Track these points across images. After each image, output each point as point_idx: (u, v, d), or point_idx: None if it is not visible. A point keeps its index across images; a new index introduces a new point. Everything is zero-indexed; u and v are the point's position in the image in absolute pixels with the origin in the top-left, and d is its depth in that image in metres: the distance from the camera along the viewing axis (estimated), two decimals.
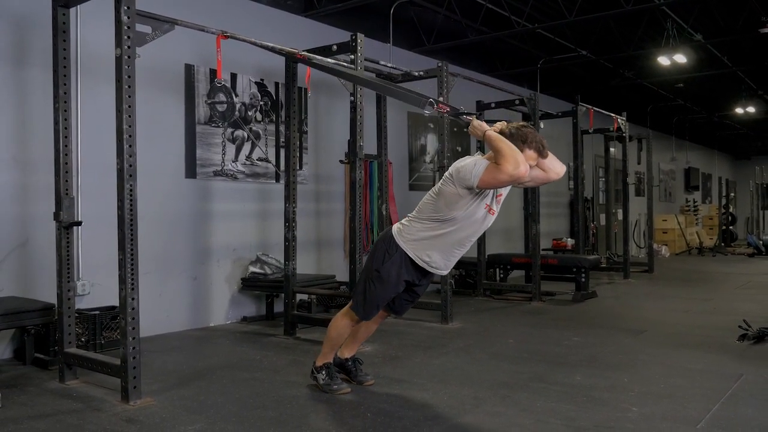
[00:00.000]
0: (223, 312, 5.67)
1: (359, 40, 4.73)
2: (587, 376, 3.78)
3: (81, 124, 4.62)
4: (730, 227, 16.17)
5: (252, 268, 5.68)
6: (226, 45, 4.21)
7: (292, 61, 4.99)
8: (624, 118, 8.89)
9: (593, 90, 11.66)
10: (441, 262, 3.30)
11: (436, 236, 3.22)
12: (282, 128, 5.99)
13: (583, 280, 6.99)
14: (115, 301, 4.54)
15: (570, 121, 8.56)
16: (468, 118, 3.27)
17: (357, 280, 4.10)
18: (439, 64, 5.58)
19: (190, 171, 5.41)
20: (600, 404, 3.24)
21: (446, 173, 3.20)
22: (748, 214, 18.60)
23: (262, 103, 6.01)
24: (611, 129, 9.09)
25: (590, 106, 8.12)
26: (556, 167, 3.28)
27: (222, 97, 5.67)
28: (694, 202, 17.20)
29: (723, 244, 15.34)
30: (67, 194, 3.65)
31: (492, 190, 3.17)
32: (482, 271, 7.31)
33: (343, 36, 5.37)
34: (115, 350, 4.30)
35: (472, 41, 8.44)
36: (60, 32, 3.65)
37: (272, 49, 4.67)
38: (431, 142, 8.18)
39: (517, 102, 7.19)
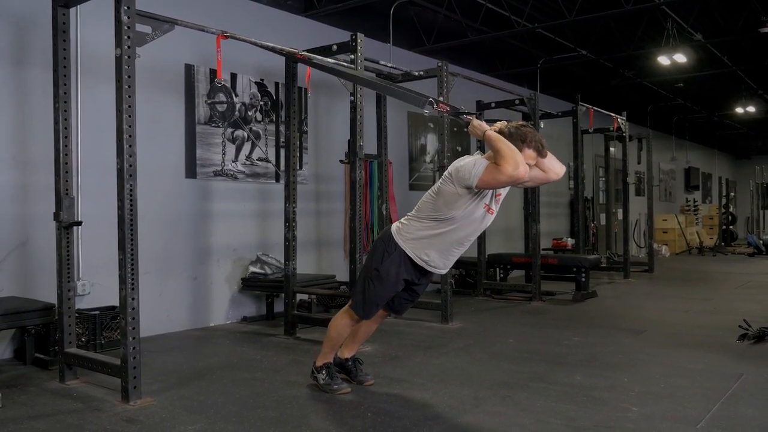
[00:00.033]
0: (223, 312, 5.67)
1: (359, 40, 4.73)
2: (587, 375, 3.78)
3: (81, 124, 4.62)
4: (730, 227, 16.18)
5: (252, 268, 5.68)
6: (226, 45, 4.22)
7: (292, 61, 4.99)
8: (624, 118, 8.89)
9: (593, 90, 11.66)
10: (440, 261, 3.30)
11: (435, 235, 3.23)
12: (282, 128, 5.99)
13: (584, 279, 6.99)
14: (115, 301, 4.54)
15: (570, 121, 8.57)
16: (468, 117, 3.27)
17: (356, 279, 4.10)
18: (439, 64, 5.58)
19: (190, 171, 5.41)
20: (600, 404, 3.24)
21: (445, 172, 3.21)
22: (748, 214, 18.60)
23: (262, 103, 6.01)
24: (611, 129, 9.09)
25: (590, 106, 8.12)
26: (555, 167, 3.28)
27: (222, 97, 5.67)
28: (695, 201, 17.20)
29: (723, 243, 15.34)
30: (67, 194, 3.65)
31: (491, 190, 3.17)
32: (482, 271, 7.31)
33: (343, 36, 5.37)
34: (115, 350, 4.30)
35: (472, 41, 8.44)
36: (60, 32, 3.65)
37: (272, 49, 4.67)
38: (431, 141, 8.18)
39: (517, 102, 7.19)
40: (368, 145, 6.06)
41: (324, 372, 3.51)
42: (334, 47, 4.83)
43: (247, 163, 5.86)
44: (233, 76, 5.75)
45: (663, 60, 9.77)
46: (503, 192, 3.31)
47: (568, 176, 10.48)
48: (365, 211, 6.34)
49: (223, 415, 3.12)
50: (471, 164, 3.05)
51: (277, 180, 6.03)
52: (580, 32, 9.22)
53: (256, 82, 5.96)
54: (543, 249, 8.05)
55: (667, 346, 4.59)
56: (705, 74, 11.29)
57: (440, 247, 3.26)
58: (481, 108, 7.40)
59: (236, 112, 5.78)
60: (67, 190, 3.66)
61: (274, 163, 6.08)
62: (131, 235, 3.31)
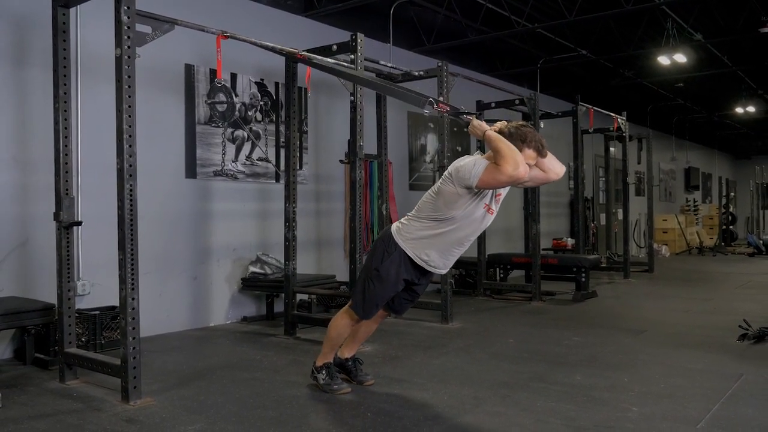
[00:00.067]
0: (223, 312, 5.67)
1: (359, 40, 4.73)
2: (587, 375, 3.78)
3: (81, 124, 4.62)
4: (730, 227, 16.18)
5: (252, 268, 5.68)
6: (226, 45, 4.22)
7: (292, 61, 4.99)
8: (624, 118, 8.89)
9: (593, 90, 11.66)
10: (439, 261, 3.30)
11: (434, 235, 3.23)
12: (282, 128, 5.99)
13: (584, 279, 6.99)
14: (115, 301, 4.54)
15: (570, 121, 8.57)
16: (468, 117, 3.27)
17: (356, 279, 4.10)
18: (439, 64, 5.58)
19: (190, 171, 5.41)
20: (600, 404, 3.24)
21: (445, 172, 3.21)
22: (748, 214, 18.60)
23: (262, 103, 6.01)
24: (611, 129, 9.09)
25: (590, 106, 8.12)
26: (555, 167, 3.27)
27: (222, 97, 5.67)
28: (695, 201, 17.20)
29: (723, 243, 15.35)
30: (67, 194, 3.65)
31: (491, 190, 3.17)
32: (482, 271, 7.31)
33: (343, 36, 5.37)
34: (115, 350, 4.30)
35: (472, 41, 8.44)
36: (60, 32, 3.65)
37: (272, 49, 4.67)
38: (431, 141, 8.18)
39: (517, 102, 7.19)
40: (368, 145, 6.06)
41: (324, 372, 3.51)
42: (334, 47, 4.83)
43: (247, 163, 5.86)
44: (233, 76, 5.75)
45: (663, 60, 9.78)
46: (503, 192, 3.31)
47: (568, 176, 10.49)
48: (365, 211, 6.34)
49: (223, 415, 3.12)
50: (471, 164, 3.05)
51: (277, 180, 6.03)
52: (580, 32, 9.22)
53: (256, 82, 5.96)
54: (543, 249, 8.05)
55: (667, 346, 4.59)
56: (705, 74, 11.29)
57: (440, 247, 3.25)
58: (481, 108, 7.40)
59: (236, 112, 5.78)
60: (67, 190, 3.66)
61: (274, 163, 6.08)
62: (131, 235, 3.31)
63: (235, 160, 5.75)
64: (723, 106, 15.16)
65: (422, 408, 3.22)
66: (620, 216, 10.28)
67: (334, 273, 6.24)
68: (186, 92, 5.40)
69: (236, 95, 5.78)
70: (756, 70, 11.34)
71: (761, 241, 13.72)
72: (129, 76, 3.29)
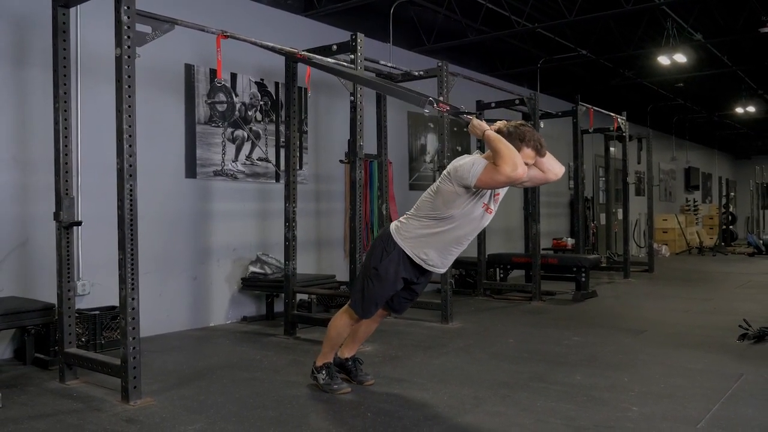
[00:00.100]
0: (223, 312, 5.67)
1: (359, 40, 4.73)
2: (587, 375, 3.78)
3: (81, 124, 4.62)
4: (730, 227, 16.18)
5: (252, 268, 5.68)
6: (226, 45, 4.22)
7: (292, 60, 4.98)
8: (624, 118, 8.89)
9: (593, 90, 11.66)
10: (438, 260, 3.30)
11: (433, 234, 3.23)
12: (282, 128, 5.99)
13: (584, 279, 6.99)
14: (115, 301, 4.54)
15: (570, 121, 8.57)
16: (468, 117, 3.27)
17: (355, 278, 4.10)
18: (439, 64, 5.58)
19: (190, 171, 5.41)
20: (600, 404, 3.24)
21: (444, 171, 3.21)
22: (748, 214, 18.60)
23: (262, 102, 6.01)
24: (611, 129, 9.09)
25: (590, 106, 8.12)
26: (554, 168, 3.27)
27: (222, 96, 5.67)
28: (695, 201, 17.21)
29: (723, 243, 15.34)
30: (67, 194, 3.65)
31: (490, 190, 3.17)
32: (482, 271, 7.31)
33: (343, 36, 5.37)
34: (115, 350, 4.30)
35: (472, 41, 8.44)
36: (60, 32, 3.65)
37: (272, 49, 4.67)
38: (431, 141, 8.18)
39: (517, 102, 7.19)
40: (368, 145, 6.05)
41: (324, 372, 3.51)
42: (334, 47, 4.83)
43: (247, 162, 5.86)
44: (233, 76, 5.75)
45: (663, 60, 9.77)
46: (502, 192, 3.31)
47: (568, 176, 10.48)
48: (365, 211, 6.34)
49: (223, 415, 3.12)
50: (470, 164, 3.06)
51: (277, 180, 6.03)
52: (580, 32, 9.22)
53: (256, 82, 5.96)
54: (543, 249, 8.05)
55: (667, 346, 4.59)
56: (705, 74, 11.29)
57: (439, 246, 3.26)
58: (481, 108, 7.40)
59: (236, 112, 5.78)
60: (67, 190, 3.66)
61: (274, 163, 6.08)
62: (131, 235, 3.31)
63: (235, 160, 5.75)
64: (723, 106, 15.16)
65: (422, 408, 3.22)
66: (620, 216, 10.28)
67: (334, 273, 6.24)
68: (186, 92, 5.40)
69: (236, 95, 5.78)
70: (756, 70, 11.34)
71: (761, 241, 13.72)
72: (129, 76, 3.29)
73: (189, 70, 5.41)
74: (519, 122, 3.20)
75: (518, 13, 7.75)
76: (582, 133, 8.58)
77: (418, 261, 3.29)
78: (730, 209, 16.77)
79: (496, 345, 4.69)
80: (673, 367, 3.97)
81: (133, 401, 3.27)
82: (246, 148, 5.85)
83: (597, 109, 8.22)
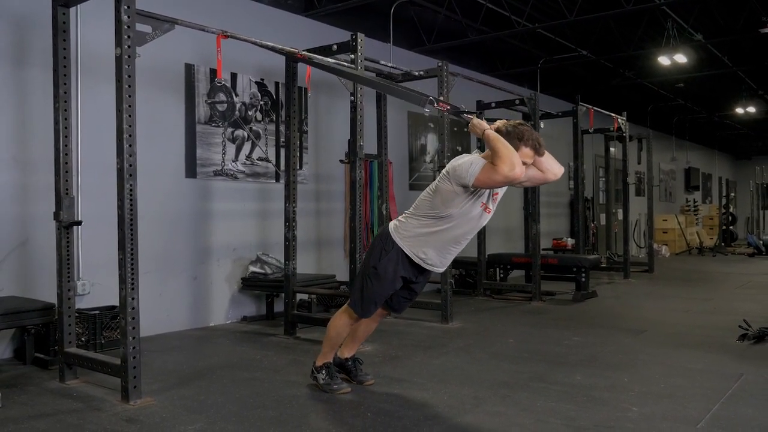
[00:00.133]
0: (223, 312, 5.67)
1: (359, 40, 4.73)
2: (587, 375, 3.78)
3: (81, 124, 4.62)
4: (731, 227, 16.18)
5: (252, 268, 5.68)
6: (227, 45, 4.21)
7: (292, 60, 4.98)
8: (624, 118, 8.89)
9: (593, 90, 11.66)
10: (437, 259, 3.31)
11: (431, 233, 3.23)
12: (282, 128, 5.99)
13: (583, 279, 6.99)
14: (115, 301, 4.54)
15: (570, 121, 8.57)
16: (468, 116, 3.28)
17: (355, 277, 4.10)
18: (440, 64, 5.58)
19: (191, 171, 5.41)
20: (600, 404, 3.24)
21: (443, 170, 3.22)
22: (748, 214, 18.60)
23: (262, 102, 6.01)
24: (611, 129, 9.09)
25: (590, 106, 8.12)
26: (554, 168, 3.28)
27: (222, 96, 5.67)
28: (695, 202, 17.21)
29: (723, 244, 15.35)
30: (67, 194, 3.65)
31: (488, 189, 3.17)
32: (482, 271, 7.31)
33: (344, 36, 5.37)
34: (115, 350, 4.30)
35: (472, 41, 8.44)
36: (60, 32, 3.65)
37: (273, 49, 4.67)
38: (431, 141, 8.18)
39: (517, 102, 7.19)
40: (368, 144, 6.05)
41: (324, 372, 3.51)
42: (335, 47, 4.82)
43: (247, 162, 5.86)
44: (233, 76, 5.75)
45: (663, 60, 9.77)
46: (501, 191, 3.31)
47: (568, 176, 10.48)
48: (365, 211, 6.34)
49: (223, 415, 3.12)
50: (468, 163, 3.06)
51: (277, 180, 6.03)
52: (581, 32, 9.22)
53: (256, 82, 5.96)
54: (543, 249, 8.05)
55: (667, 346, 4.59)
56: (705, 74, 11.29)
57: (437, 245, 3.26)
58: (482, 108, 7.40)
59: (236, 112, 5.78)
60: (67, 189, 3.66)
61: (274, 163, 6.08)
62: (131, 234, 3.31)
63: (235, 159, 5.75)
64: (723, 106, 15.16)
65: (422, 408, 3.22)
66: (620, 216, 10.28)
67: (334, 273, 6.24)
68: (186, 92, 5.40)
69: (236, 95, 5.78)
70: (756, 71, 11.34)
71: (761, 242, 13.72)
72: (129, 76, 3.29)
73: (189, 69, 5.41)
74: (518, 122, 3.20)
75: (518, 13, 7.75)
76: (582, 133, 8.58)
77: (416, 260, 3.29)
78: (730, 210, 16.77)
79: (496, 345, 4.69)
80: (673, 367, 3.97)
81: (133, 401, 3.27)
82: (246, 147, 5.85)
83: (597, 109, 8.22)
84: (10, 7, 4.38)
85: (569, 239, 9.70)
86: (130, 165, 3.31)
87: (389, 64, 5.83)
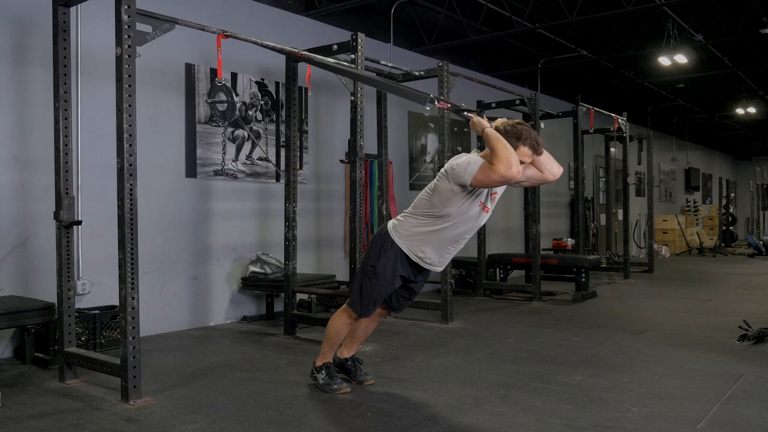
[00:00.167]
0: (223, 311, 5.67)
1: (360, 40, 4.73)
2: (587, 376, 3.78)
3: (81, 124, 4.62)
4: (731, 228, 16.18)
5: (252, 268, 5.69)
6: (227, 44, 4.22)
7: (293, 60, 4.98)
8: (624, 119, 8.89)
9: (594, 90, 11.66)
10: (435, 258, 3.31)
11: (430, 232, 3.23)
12: (282, 128, 5.99)
13: (583, 280, 6.99)
14: (115, 301, 4.55)
15: (570, 122, 8.57)
16: (468, 114, 3.28)
17: (354, 276, 4.10)
18: (440, 64, 5.58)
19: (191, 170, 5.41)
20: (600, 404, 3.24)
21: (442, 170, 3.22)
22: (748, 215, 18.60)
23: (262, 102, 6.01)
24: (612, 129, 9.09)
25: (591, 107, 8.12)
26: (553, 168, 3.28)
27: (222, 96, 5.67)
28: (695, 202, 17.21)
29: (723, 244, 15.35)
30: (67, 193, 3.65)
31: (487, 189, 3.18)
32: (482, 271, 7.31)
33: (344, 35, 5.37)
34: (115, 349, 4.31)
35: (472, 41, 8.44)
36: (60, 31, 3.65)
37: (273, 48, 4.67)
38: (431, 141, 8.18)
39: (517, 102, 7.19)
40: (368, 144, 6.06)
41: (323, 372, 3.51)
42: (335, 47, 4.82)
43: (248, 162, 5.86)
44: (234, 76, 5.75)
45: (663, 60, 9.77)
46: (499, 191, 3.32)
47: (569, 176, 10.49)
48: (365, 210, 6.34)
49: (223, 414, 3.12)
50: (466, 163, 3.07)
51: (278, 179, 6.04)
52: (581, 32, 9.22)
53: (256, 82, 5.96)
54: (543, 249, 8.05)
55: (667, 346, 4.59)
56: (705, 75, 11.30)
57: (436, 244, 3.26)
58: (482, 108, 7.40)
59: (236, 112, 5.78)
60: (67, 189, 3.66)
61: (275, 163, 6.08)
62: (131, 234, 3.31)
63: (236, 159, 5.76)
64: (723, 106, 15.17)
65: (422, 408, 3.22)
66: (620, 216, 10.29)
67: (334, 273, 6.24)
68: (186, 91, 5.40)
69: (237, 95, 5.78)
70: (756, 71, 11.35)
71: (761, 242, 13.72)
72: (129, 76, 3.29)
73: (189, 69, 5.41)
74: (516, 121, 3.21)
75: (519, 13, 7.75)
76: (582, 133, 8.58)
77: (415, 259, 3.29)
78: (730, 210, 16.78)
79: (496, 345, 4.69)
80: (672, 368, 3.97)
81: (132, 401, 3.27)
82: (246, 147, 5.85)
83: (597, 109, 8.22)
84: (10, 7, 4.38)
85: (569, 239, 9.70)
86: (130, 165, 3.31)
87: (389, 64, 5.84)
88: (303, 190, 6.04)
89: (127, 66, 3.28)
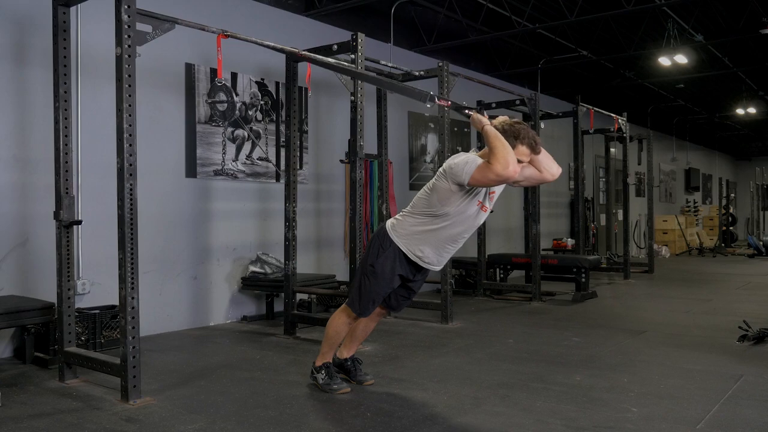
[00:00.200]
0: (223, 311, 5.67)
1: (360, 40, 4.73)
2: (587, 376, 3.78)
3: (81, 124, 4.62)
4: (731, 228, 16.18)
5: (252, 268, 5.69)
6: (227, 44, 4.21)
7: (293, 60, 4.98)
8: (624, 119, 8.89)
9: (594, 90, 11.66)
10: (433, 257, 3.31)
11: (428, 231, 3.24)
12: (282, 128, 5.99)
13: (583, 280, 6.99)
14: (115, 300, 4.55)
15: (571, 122, 8.57)
16: (468, 112, 3.29)
17: (353, 276, 4.10)
18: (440, 64, 5.58)
19: (191, 170, 5.41)
20: (600, 404, 3.24)
21: (440, 169, 3.23)
22: (748, 215, 18.60)
23: (262, 102, 6.01)
24: (612, 129, 9.09)
25: (591, 107, 8.12)
26: (551, 168, 3.28)
27: (222, 96, 5.67)
28: (695, 202, 17.21)
29: (723, 244, 15.35)
30: (67, 193, 3.65)
31: (485, 188, 3.18)
32: (482, 271, 7.32)
33: (344, 35, 5.37)
34: (115, 349, 4.31)
35: (472, 41, 8.45)
36: (60, 31, 3.65)
37: (273, 48, 4.66)
38: (431, 141, 8.18)
39: (517, 102, 7.19)
40: (368, 144, 6.06)
41: (323, 372, 3.51)
42: (335, 47, 4.82)
43: (248, 162, 5.86)
44: (234, 76, 5.75)
45: (664, 61, 9.77)
46: (497, 190, 3.32)
47: (569, 176, 10.49)
48: (365, 210, 6.34)
49: (223, 414, 3.12)
50: (464, 162, 3.07)
51: (278, 179, 6.04)
52: (581, 33, 9.22)
53: (256, 82, 5.96)
54: (543, 249, 8.05)
55: (667, 346, 4.59)
56: (706, 75, 11.30)
57: (434, 243, 3.27)
58: (482, 107, 7.40)
59: (237, 112, 5.78)
60: (67, 189, 3.66)
61: (275, 163, 6.08)
62: (131, 234, 3.31)
63: (236, 159, 5.75)
64: (723, 107, 15.17)
65: (422, 408, 3.22)
66: (620, 217, 10.29)
67: (334, 273, 6.24)
68: (186, 91, 5.40)
69: (237, 94, 5.78)
70: (757, 71, 11.35)
71: (761, 243, 13.72)
72: (129, 75, 3.29)
73: (189, 69, 5.41)
74: (514, 120, 3.22)
75: (519, 13, 7.75)
76: (582, 133, 8.58)
77: (413, 258, 3.30)
78: (731, 210, 16.77)
79: (495, 345, 4.69)
80: (672, 368, 3.97)
81: (132, 400, 3.27)
82: (246, 147, 5.85)
83: (597, 109, 8.22)
84: (10, 7, 4.38)
85: (569, 240, 9.70)
86: (130, 165, 3.31)
87: (389, 64, 5.84)
88: (303, 190, 6.04)
89: (127, 66, 3.28)
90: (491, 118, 3.21)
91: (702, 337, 4.91)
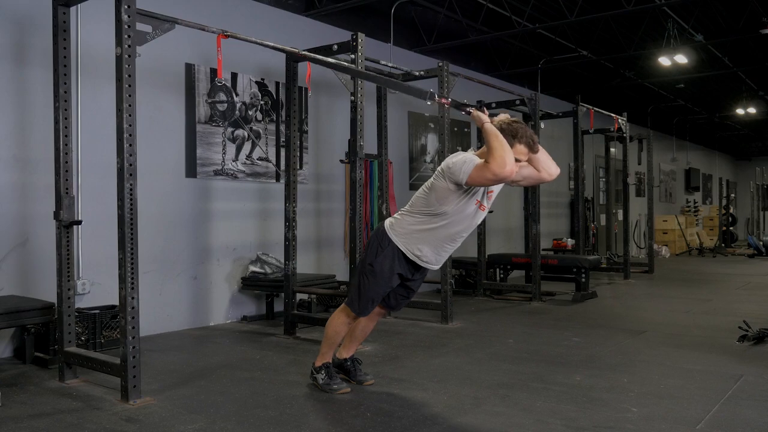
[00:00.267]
0: (223, 311, 5.67)
1: (360, 40, 4.73)
2: (587, 376, 3.78)
3: (81, 124, 4.62)
4: (731, 228, 16.18)
5: (252, 268, 5.69)
6: (227, 44, 4.21)
7: (293, 60, 4.98)
8: (624, 119, 8.89)
9: (594, 90, 11.66)
10: (432, 256, 3.31)
11: (426, 230, 3.24)
12: (282, 128, 5.99)
13: (583, 280, 6.99)
14: (115, 300, 4.55)
15: (571, 122, 8.57)
16: (468, 109, 3.29)
17: (352, 276, 4.10)
18: (440, 64, 5.58)
19: (191, 170, 5.41)
20: (600, 405, 3.24)
21: (438, 168, 3.23)
22: (748, 215, 18.60)
23: (262, 102, 6.01)
24: (612, 129, 9.09)
25: (591, 107, 8.12)
26: (550, 168, 3.28)
27: (222, 96, 5.67)
28: (695, 202, 17.21)
29: (723, 244, 15.35)
30: (67, 193, 3.65)
31: (483, 187, 3.18)
32: (482, 271, 7.32)
33: (344, 35, 5.37)
34: (115, 349, 4.31)
35: (472, 41, 8.45)
36: (60, 31, 3.65)
37: (274, 48, 4.66)
38: (431, 141, 8.18)
39: (517, 102, 7.18)
40: (368, 144, 6.06)
41: (323, 372, 3.51)
42: (335, 47, 4.83)
43: (248, 162, 5.86)
44: (234, 76, 5.75)
45: (664, 61, 9.77)
46: (496, 189, 3.33)
47: (569, 176, 10.50)
48: (365, 210, 6.34)
49: (223, 414, 3.12)
50: (462, 161, 3.08)
51: (278, 179, 6.04)
52: (581, 33, 9.22)
53: (256, 82, 5.96)
54: (543, 249, 8.05)
55: (667, 346, 4.59)
56: (706, 75, 11.30)
57: (432, 242, 3.27)
58: (482, 106, 7.40)
59: (237, 112, 5.78)
60: (67, 189, 3.66)
61: (275, 163, 6.08)
62: (131, 234, 3.31)
63: (236, 159, 5.75)
64: (723, 107, 15.17)
65: (422, 408, 3.22)
66: (620, 217, 10.29)
67: (334, 273, 6.24)
68: (186, 91, 5.40)
69: (237, 94, 5.78)
70: (757, 71, 11.35)
71: (761, 243, 13.72)
72: (129, 75, 3.29)
73: (189, 69, 5.41)
74: (513, 119, 3.22)
75: (519, 13, 7.75)
76: (582, 133, 8.58)
77: (412, 257, 3.30)
78: (731, 210, 16.77)
79: (495, 345, 4.69)
80: (672, 368, 3.97)
81: (132, 400, 3.27)
82: (246, 147, 5.85)
83: (597, 109, 8.22)
84: (10, 7, 4.38)
85: (569, 240, 9.70)
86: (130, 165, 3.31)
87: (390, 64, 5.84)
88: (303, 190, 6.04)
89: (127, 66, 3.28)
90: (492, 116, 3.21)
91: (702, 337, 4.91)
